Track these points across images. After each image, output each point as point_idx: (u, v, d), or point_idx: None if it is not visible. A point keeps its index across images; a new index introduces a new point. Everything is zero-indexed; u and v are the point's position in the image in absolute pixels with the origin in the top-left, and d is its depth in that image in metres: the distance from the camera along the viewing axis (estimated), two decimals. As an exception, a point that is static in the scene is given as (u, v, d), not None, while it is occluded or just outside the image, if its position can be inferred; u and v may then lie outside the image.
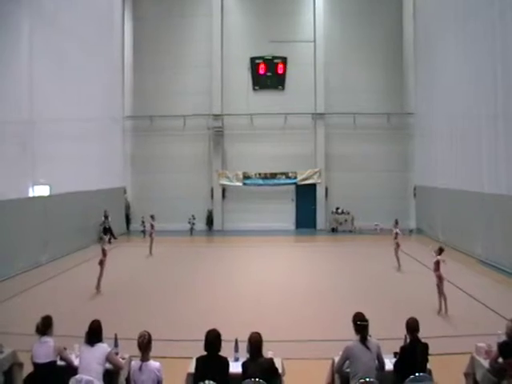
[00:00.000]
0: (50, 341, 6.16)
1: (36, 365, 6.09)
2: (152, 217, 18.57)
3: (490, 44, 15.83)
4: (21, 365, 6.85)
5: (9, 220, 14.56)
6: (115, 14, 23.73)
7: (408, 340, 6.21)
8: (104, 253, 12.94)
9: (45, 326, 6.24)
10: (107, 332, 6.38)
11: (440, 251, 10.91)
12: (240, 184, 25.27)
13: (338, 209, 25.08)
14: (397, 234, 15.27)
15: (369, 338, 5.96)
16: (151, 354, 5.73)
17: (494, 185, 15.74)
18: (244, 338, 6.00)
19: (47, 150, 16.56)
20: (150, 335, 5.74)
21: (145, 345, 5.64)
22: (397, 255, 15.38)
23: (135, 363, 5.70)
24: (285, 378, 6.16)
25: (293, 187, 25.53)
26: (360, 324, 5.96)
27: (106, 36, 22.60)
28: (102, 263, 12.83)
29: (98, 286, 12.76)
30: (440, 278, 10.63)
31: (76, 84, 18.76)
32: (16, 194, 15.25)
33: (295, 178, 25.18)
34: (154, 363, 5.65)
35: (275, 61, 25.47)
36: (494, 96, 15.49)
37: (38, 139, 16.23)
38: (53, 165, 16.84)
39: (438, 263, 10.71)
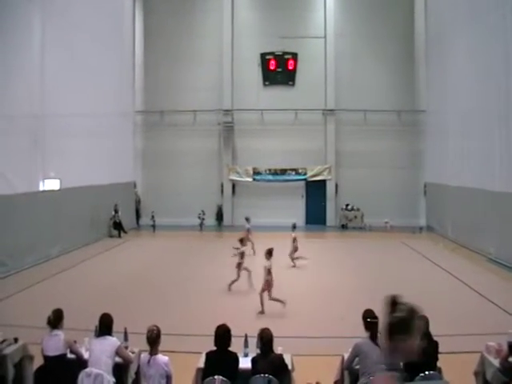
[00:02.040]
0: (60, 334, 6.20)
1: (46, 358, 6.13)
2: (247, 219, 17.84)
3: (502, 40, 15.63)
4: (31, 357, 6.90)
5: (19, 213, 14.64)
6: (126, 8, 23.71)
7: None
8: (242, 255, 12.48)
9: (56, 319, 6.28)
10: (117, 326, 6.40)
11: (269, 254, 10.82)
12: (250, 179, 25.23)
13: (347, 205, 24.98)
14: (295, 238, 15.36)
15: (379, 335, 5.93)
16: (160, 348, 5.75)
17: (505, 183, 15.59)
18: (254, 334, 6.00)
19: (58, 145, 16.62)
20: (158, 329, 5.75)
21: (153, 339, 5.67)
22: (292, 256, 15.30)
23: (144, 357, 5.74)
24: (294, 374, 6.16)
25: (303, 183, 25.46)
26: (370, 321, 5.95)
27: (117, 31, 22.60)
28: (239, 266, 12.38)
29: (230, 285, 12.36)
30: (269, 284, 10.50)
31: (87, 79, 18.76)
32: (27, 187, 15.34)
33: (305, 174, 25.11)
34: (162, 357, 5.67)
35: (285, 56, 25.35)
36: (507, 93, 15.30)
37: (48, 133, 16.30)
38: (63, 159, 16.90)
39: (269, 270, 10.62)
